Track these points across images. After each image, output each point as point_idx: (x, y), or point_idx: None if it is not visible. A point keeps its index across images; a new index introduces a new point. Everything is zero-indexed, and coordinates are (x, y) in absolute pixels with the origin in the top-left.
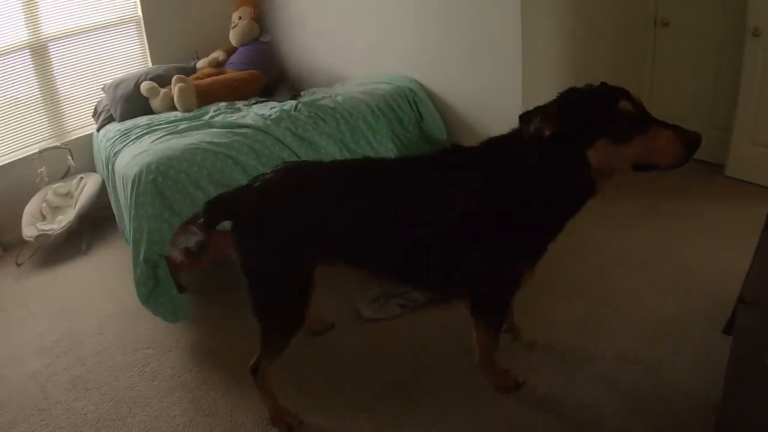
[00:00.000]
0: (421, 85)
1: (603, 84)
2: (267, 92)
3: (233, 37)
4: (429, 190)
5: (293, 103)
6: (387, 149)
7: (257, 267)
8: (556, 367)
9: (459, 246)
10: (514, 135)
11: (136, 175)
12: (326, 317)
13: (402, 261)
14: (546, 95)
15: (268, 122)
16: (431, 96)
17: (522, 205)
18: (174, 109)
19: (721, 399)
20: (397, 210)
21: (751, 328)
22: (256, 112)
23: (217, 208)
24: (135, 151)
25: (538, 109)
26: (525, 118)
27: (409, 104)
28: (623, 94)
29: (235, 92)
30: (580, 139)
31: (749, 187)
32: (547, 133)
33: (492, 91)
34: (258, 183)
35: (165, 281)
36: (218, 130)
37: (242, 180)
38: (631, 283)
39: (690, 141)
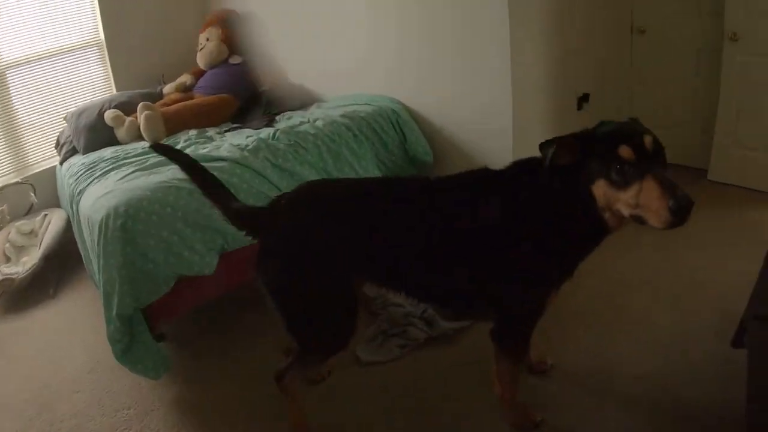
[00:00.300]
0: (403, 106)
1: (627, 122)
2: (239, 117)
3: (201, 60)
4: (457, 211)
5: (270, 130)
6: (372, 175)
7: (297, 288)
8: (575, 393)
9: (485, 267)
10: (539, 159)
11: (102, 219)
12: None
13: (430, 281)
14: (534, 111)
15: (246, 153)
16: (414, 116)
17: (542, 228)
18: (141, 138)
19: (746, 417)
20: (426, 229)
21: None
22: (231, 142)
23: (243, 216)
24: (100, 191)
25: (557, 138)
26: (544, 146)
27: (393, 126)
28: (629, 138)
29: (205, 118)
30: (586, 175)
31: (733, 189)
32: (560, 162)
33: (480, 108)
34: (284, 201)
35: (142, 335)
36: None
37: (220, 219)
38: (639, 302)
39: (676, 208)
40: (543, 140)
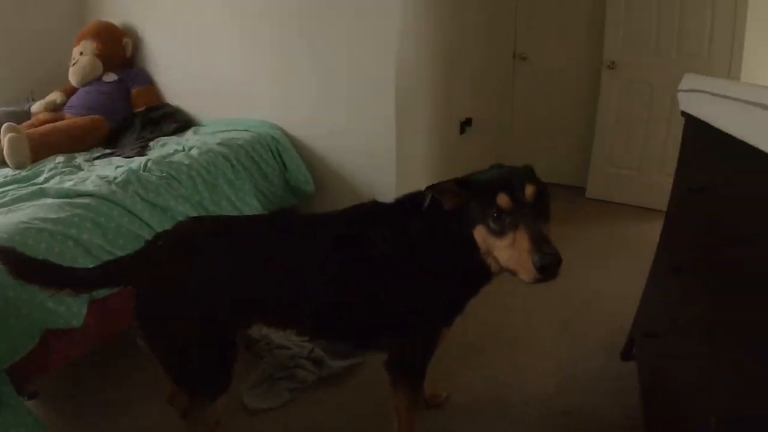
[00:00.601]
0: (284, 132)
1: (517, 169)
2: (112, 141)
3: (73, 76)
4: (347, 245)
5: (142, 160)
6: (251, 207)
7: (172, 336)
8: (473, 423)
9: (376, 299)
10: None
11: None
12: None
13: (322, 315)
14: (418, 138)
15: (114, 188)
16: (295, 144)
17: (429, 265)
18: (4, 164)
19: (644, 426)
20: (315, 265)
21: (656, 359)
22: (99, 174)
23: (113, 274)
24: None
25: (439, 184)
26: (427, 191)
27: (272, 154)
28: (509, 186)
29: (75, 141)
30: (469, 219)
31: (609, 205)
32: (446, 207)
33: (363, 136)
34: (161, 243)
35: (10, 398)
36: (54, 201)
37: (88, 264)
38: (530, 328)
39: (540, 265)
40: (428, 183)
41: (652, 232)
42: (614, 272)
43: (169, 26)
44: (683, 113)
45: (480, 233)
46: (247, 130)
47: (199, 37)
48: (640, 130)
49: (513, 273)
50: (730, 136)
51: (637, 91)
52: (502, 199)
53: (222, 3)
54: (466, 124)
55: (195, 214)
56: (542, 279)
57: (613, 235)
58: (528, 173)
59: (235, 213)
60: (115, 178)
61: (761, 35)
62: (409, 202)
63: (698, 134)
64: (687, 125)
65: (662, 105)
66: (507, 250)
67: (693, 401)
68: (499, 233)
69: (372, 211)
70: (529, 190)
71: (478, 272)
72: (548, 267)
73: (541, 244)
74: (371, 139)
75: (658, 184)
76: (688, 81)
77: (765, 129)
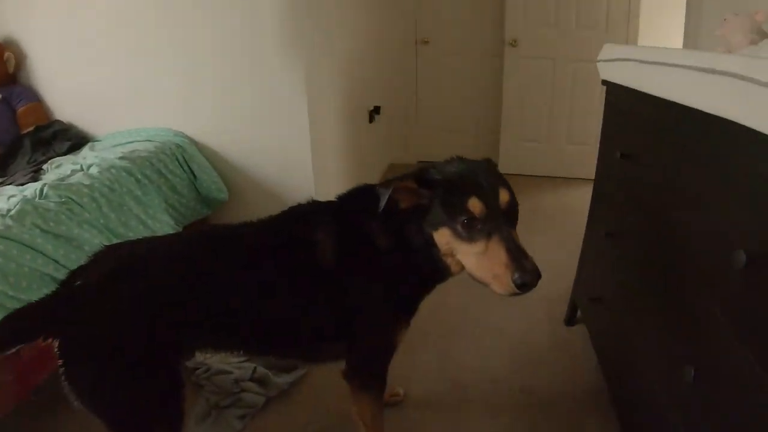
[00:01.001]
0: (189, 139)
1: (482, 166)
2: (1, 164)
3: None
4: (288, 250)
5: (36, 186)
6: (163, 224)
7: (111, 382)
8: (436, 415)
9: (326, 305)
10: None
11: None
12: None
13: (271, 329)
14: (330, 134)
15: (9, 221)
16: (202, 150)
17: (385, 263)
18: None
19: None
20: (261, 275)
21: (606, 321)
22: None
23: (23, 326)
24: None
25: (397, 179)
26: (381, 190)
27: (179, 163)
28: (482, 190)
29: None
30: (430, 220)
31: (522, 178)
32: (402, 206)
33: (277, 137)
34: (82, 281)
35: None
36: None
37: None
38: (473, 309)
39: (521, 283)
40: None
41: (566, 198)
42: (540, 241)
43: (54, 38)
44: (605, 82)
45: (444, 235)
46: (149, 141)
47: (88, 48)
48: (545, 103)
49: (482, 282)
50: (660, 98)
51: (540, 66)
52: (476, 206)
53: (108, 11)
54: (374, 112)
55: (103, 240)
56: (518, 294)
57: (530, 205)
58: (494, 170)
59: (146, 233)
60: (9, 210)
61: (655, 8)
62: (354, 199)
63: (623, 101)
64: (610, 93)
65: (564, 77)
66: (477, 258)
67: (655, 355)
68: (469, 239)
69: (314, 211)
70: (504, 196)
71: (436, 272)
72: (528, 285)
73: (520, 259)
74: (285, 137)
75: (567, 154)
76: (609, 51)
77: (698, 88)
